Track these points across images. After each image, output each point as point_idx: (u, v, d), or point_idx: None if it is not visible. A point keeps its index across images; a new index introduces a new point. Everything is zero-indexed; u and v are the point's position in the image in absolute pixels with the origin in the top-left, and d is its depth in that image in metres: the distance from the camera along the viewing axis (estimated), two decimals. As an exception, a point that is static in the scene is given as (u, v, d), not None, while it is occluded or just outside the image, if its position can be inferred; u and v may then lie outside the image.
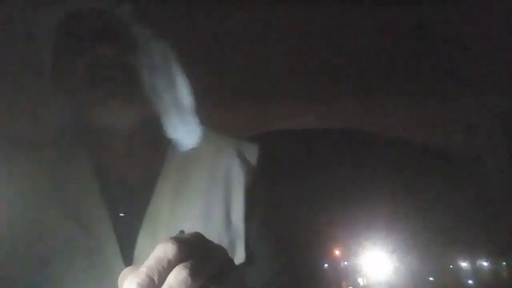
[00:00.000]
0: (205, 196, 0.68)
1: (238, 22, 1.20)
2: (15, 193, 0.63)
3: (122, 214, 0.65)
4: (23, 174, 0.65)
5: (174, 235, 0.57)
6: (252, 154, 0.75)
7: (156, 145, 0.73)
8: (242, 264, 0.65)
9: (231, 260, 0.43)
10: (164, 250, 0.36)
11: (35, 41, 0.67)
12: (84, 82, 0.64)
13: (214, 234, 0.64)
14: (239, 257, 0.65)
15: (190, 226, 0.64)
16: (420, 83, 1.54)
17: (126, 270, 0.38)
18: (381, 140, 2.04)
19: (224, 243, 0.64)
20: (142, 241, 0.61)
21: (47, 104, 0.70)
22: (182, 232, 0.42)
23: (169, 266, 0.35)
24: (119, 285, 0.37)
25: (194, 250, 0.37)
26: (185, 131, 0.69)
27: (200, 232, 0.61)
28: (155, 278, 0.35)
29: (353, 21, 1.33)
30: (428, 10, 1.27)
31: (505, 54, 1.31)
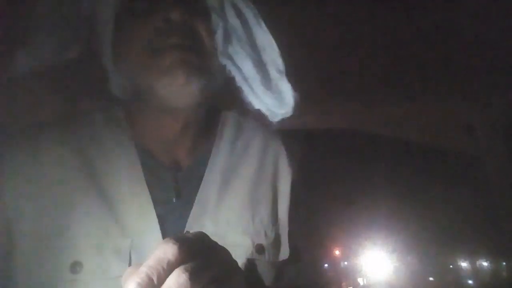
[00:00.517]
0: (252, 186, 0.61)
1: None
2: (45, 184, 0.55)
3: (175, 200, 0.57)
4: (54, 160, 0.56)
5: (221, 226, 0.55)
6: (298, 149, 0.69)
7: (206, 127, 0.64)
8: (286, 260, 0.60)
9: (234, 262, 0.42)
10: (164, 250, 0.36)
11: (95, 1, 0.58)
12: (146, 50, 0.55)
13: (261, 227, 0.59)
14: (284, 252, 0.60)
15: (237, 217, 0.58)
16: (420, 83, 1.54)
17: (129, 269, 0.37)
18: (381, 140, 2.04)
19: (270, 236, 0.59)
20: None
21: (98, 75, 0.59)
22: (187, 232, 0.41)
23: (169, 267, 0.35)
24: (122, 284, 0.37)
25: (196, 251, 0.37)
26: (273, 100, 0.60)
27: (247, 224, 0.58)
28: (154, 279, 0.35)
29: (354, 21, 1.33)
30: (428, 10, 1.27)
31: (505, 54, 1.31)
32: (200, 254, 0.38)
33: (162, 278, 0.35)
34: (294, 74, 1.43)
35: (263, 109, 0.61)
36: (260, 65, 0.60)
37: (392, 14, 1.31)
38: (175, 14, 0.55)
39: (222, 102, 0.63)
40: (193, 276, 0.35)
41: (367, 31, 1.35)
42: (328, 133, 2.01)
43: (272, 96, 0.60)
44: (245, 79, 0.60)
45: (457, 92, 1.57)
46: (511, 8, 1.16)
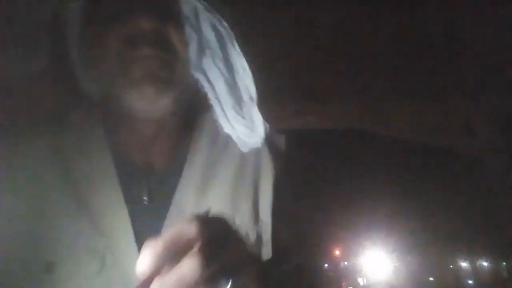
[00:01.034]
0: (233, 186, 0.59)
1: (238, 21, 1.20)
2: (18, 183, 0.53)
3: (146, 202, 0.56)
4: (29, 159, 0.55)
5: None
6: (281, 142, 0.66)
7: (185, 127, 0.61)
8: (270, 260, 0.59)
9: (248, 254, 0.42)
10: (183, 229, 0.36)
11: (61, 7, 0.56)
12: (115, 59, 0.53)
13: (241, 227, 0.57)
14: (266, 252, 0.58)
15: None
16: (420, 83, 1.54)
17: (149, 242, 0.38)
18: (381, 140, 2.04)
19: (251, 237, 0.57)
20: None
21: (67, 80, 0.59)
22: (207, 211, 0.40)
23: (186, 246, 0.35)
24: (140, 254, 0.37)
25: (213, 235, 0.37)
26: (245, 127, 0.57)
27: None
28: (170, 252, 0.35)
29: (354, 21, 1.33)
30: (428, 10, 1.27)
31: (505, 55, 1.31)
32: (217, 239, 0.38)
33: (177, 254, 0.35)
34: (294, 74, 1.43)
35: (233, 136, 0.58)
36: (233, 87, 0.57)
37: (392, 15, 1.31)
38: (145, 21, 0.52)
39: (199, 100, 0.61)
40: (206, 262, 0.35)
41: (368, 31, 1.36)
42: (328, 133, 2.01)
43: (243, 122, 0.57)
44: (217, 98, 0.57)
45: (457, 92, 1.57)
46: (510, 8, 1.16)
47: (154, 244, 0.35)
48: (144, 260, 0.35)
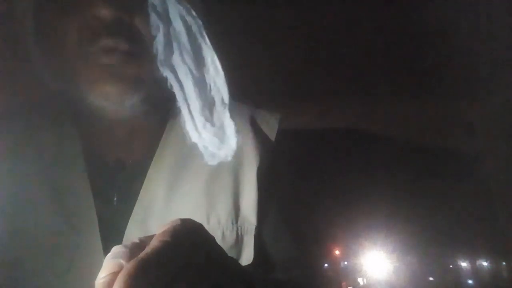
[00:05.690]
0: (208, 179, 0.54)
1: (239, 21, 1.20)
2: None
3: (116, 202, 0.53)
4: (2, 154, 0.52)
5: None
6: (271, 126, 0.59)
7: (157, 127, 0.57)
8: (251, 264, 0.52)
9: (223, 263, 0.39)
10: (146, 239, 0.35)
11: None
12: (73, 54, 0.48)
13: (217, 227, 0.52)
14: (246, 256, 0.53)
15: (188, 217, 0.48)
16: (420, 83, 1.54)
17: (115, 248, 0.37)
18: (381, 140, 2.04)
19: (229, 238, 0.52)
20: (130, 235, 0.51)
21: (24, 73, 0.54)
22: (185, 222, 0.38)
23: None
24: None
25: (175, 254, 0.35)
26: (214, 136, 0.51)
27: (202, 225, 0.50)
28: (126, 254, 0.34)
29: (354, 21, 1.33)
30: (429, 10, 1.27)
31: (505, 53, 1.31)
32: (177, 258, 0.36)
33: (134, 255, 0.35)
34: (294, 74, 1.43)
35: (200, 146, 0.51)
36: (203, 88, 0.50)
37: (392, 14, 1.31)
38: (106, 9, 0.47)
39: (170, 100, 0.56)
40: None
41: (367, 31, 1.35)
42: (328, 133, 2.01)
43: (212, 130, 0.50)
44: (186, 100, 0.51)
45: (458, 91, 1.57)
46: (511, 6, 1.16)
47: (118, 249, 0.34)
48: (106, 264, 0.34)
